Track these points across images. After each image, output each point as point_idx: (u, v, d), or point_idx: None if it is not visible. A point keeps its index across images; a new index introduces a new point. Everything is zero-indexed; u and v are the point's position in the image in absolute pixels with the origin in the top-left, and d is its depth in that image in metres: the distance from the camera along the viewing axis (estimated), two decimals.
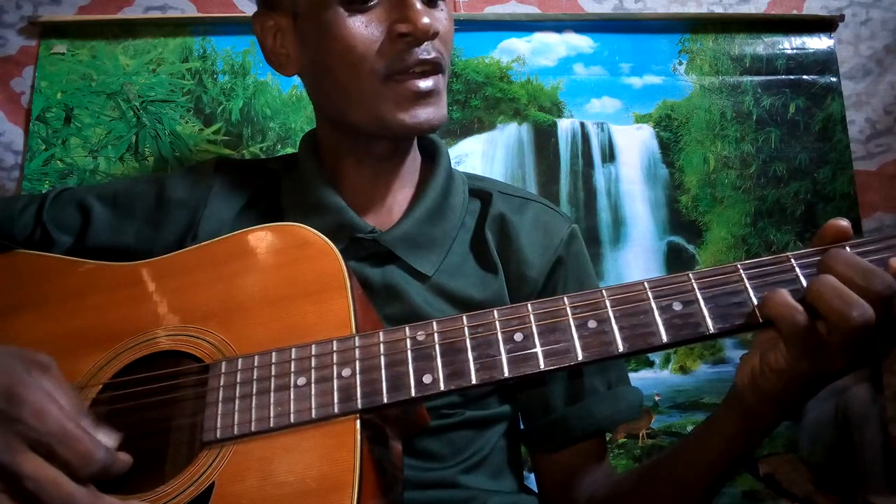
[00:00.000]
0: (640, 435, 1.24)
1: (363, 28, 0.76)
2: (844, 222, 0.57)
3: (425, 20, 0.74)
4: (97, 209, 0.88)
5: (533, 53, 1.34)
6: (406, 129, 0.79)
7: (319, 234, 0.70)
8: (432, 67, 0.78)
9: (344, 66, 0.77)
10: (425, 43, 0.76)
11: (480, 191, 0.92)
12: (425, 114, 0.78)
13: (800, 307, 0.54)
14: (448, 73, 0.83)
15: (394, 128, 0.79)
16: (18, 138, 1.26)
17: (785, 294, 0.55)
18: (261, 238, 0.72)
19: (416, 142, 0.92)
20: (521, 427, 0.90)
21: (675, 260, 1.30)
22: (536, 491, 0.89)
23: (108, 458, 0.56)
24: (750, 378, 0.60)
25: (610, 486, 0.82)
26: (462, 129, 1.31)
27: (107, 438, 0.58)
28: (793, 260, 0.57)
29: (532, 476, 0.91)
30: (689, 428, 1.24)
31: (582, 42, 1.35)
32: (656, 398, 1.26)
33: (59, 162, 1.25)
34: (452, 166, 0.93)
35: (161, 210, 0.88)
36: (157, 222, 0.88)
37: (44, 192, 0.96)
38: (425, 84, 0.77)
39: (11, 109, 1.26)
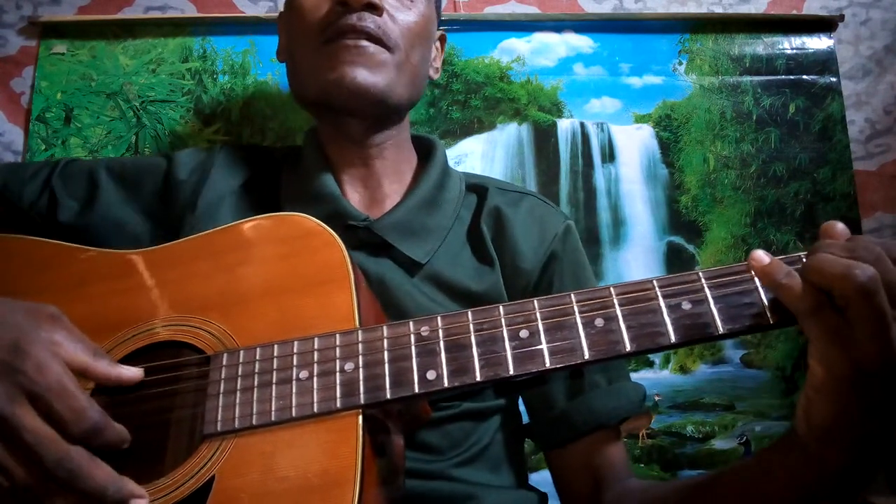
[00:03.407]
0: (640, 435, 1.24)
1: (313, 3, 0.83)
2: (840, 225, 0.57)
3: None
4: (105, 181, 0.90)
5: (533, 53, 1.34)
6: (333, 88, 0.81)
7: (323, 224, 0.70)
8: (366, 36, 0.80)
9: (300, 40, 0.84)
10: (364, 14, 0.79)
11: (477, 185, 0.93)
12: (352, 72, 0.80)
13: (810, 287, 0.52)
14: (400, 55, 0.83)
15: (327, 89, 0.81)
16: (18, 138, 1.25)
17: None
18: (263, 228, 0.72)
19: (409, 136, 0.94)
20: (527, 422, 0.89)
21: (675, 260, 1.30)
22: (540, 490, 0.87)
23: (101, 419, 0.56)
24: (804, 417, 0.56)
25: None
26: (462, 129, 1.31)
27: (131, 372, 0.62)
28: (805, 259, 0.57)
29: (533, 476, 0.91)
30: (689, 428, 1.24)
31: (582, 42, 1.35)
32: (656, 398, 1.25)
33: None
34: (450, 165, 0.94)
35: (167, 184, 0.90)
36: (164, 197, 0.89)
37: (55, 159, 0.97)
38: (353, 42, 0.80)
39: (11, 109, 1.26)
